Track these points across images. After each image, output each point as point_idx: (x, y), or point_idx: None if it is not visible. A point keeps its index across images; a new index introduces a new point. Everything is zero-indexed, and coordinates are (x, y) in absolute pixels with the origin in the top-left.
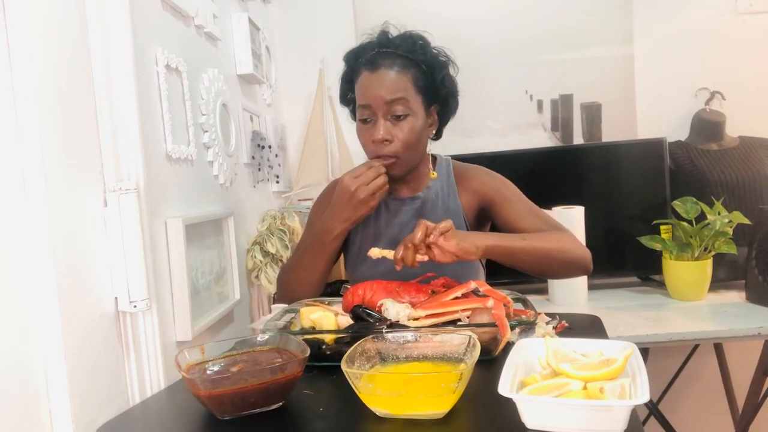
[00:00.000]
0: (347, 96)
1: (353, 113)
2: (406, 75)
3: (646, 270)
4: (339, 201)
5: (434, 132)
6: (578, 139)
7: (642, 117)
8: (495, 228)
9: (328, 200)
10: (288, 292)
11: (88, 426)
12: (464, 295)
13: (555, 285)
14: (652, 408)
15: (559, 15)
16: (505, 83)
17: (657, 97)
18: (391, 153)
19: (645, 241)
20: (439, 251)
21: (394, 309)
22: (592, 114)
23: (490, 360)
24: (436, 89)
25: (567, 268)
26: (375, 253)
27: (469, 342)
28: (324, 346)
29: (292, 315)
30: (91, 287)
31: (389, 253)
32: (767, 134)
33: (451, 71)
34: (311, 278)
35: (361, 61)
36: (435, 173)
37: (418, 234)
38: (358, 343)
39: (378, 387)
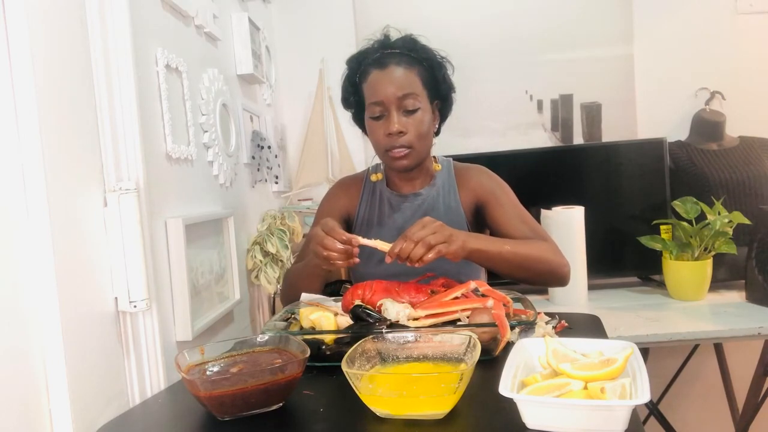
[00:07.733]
0: (349, 99)
1: (356, 116)
2: (413, 71)
3: (646, 270)
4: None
5: (436, 127)
6: (578, 139)
7: (642, 117)
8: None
9: (334, 199)
10: (291, 297)
11: (89, 426)
12: (464, 295)
13: None
14: (652, 408)
15: (559, 15)
16: (505, 83)
17: (657, 97)
18: (405, 143)
19: (645, 241)
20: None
21: (393, 309)
22: (592, 114)
23: (490, 360)
24: (438, 85)
25: (542, 277)
26: (362, 240)
27: (469, 342)
28: (324, 347)
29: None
30: (91, 287)
31: (381, 245)
32: (767, 134)
33: (449, 70)
34: (311, 289)
35: (368, 61)
36: (439, 165)
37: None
38: (358, 343)
39: (378, 387)
